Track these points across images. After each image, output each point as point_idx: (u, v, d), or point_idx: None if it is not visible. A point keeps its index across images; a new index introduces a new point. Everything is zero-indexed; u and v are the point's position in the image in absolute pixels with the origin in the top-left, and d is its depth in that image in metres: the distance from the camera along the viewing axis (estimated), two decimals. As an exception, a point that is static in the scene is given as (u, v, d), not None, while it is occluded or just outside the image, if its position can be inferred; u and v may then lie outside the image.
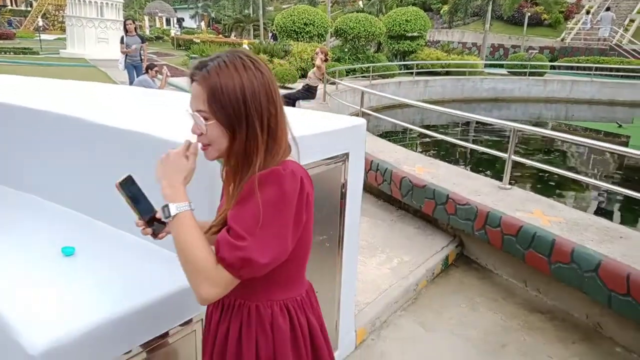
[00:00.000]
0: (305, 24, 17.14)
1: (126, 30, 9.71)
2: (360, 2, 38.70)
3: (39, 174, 2.29)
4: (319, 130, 2.15)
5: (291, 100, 8.32)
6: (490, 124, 10.84)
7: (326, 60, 8.55)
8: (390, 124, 10.52)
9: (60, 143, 2.16)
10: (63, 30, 29.84)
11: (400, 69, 16.93)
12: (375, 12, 25.05)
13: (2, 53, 20.31)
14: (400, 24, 18.03)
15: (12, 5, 48.18)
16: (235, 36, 36.51)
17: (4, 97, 2.46)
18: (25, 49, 22.56)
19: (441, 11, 30.73)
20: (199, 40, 25.78)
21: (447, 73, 17.57)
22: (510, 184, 4.09)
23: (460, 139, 7.99)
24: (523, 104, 16.93)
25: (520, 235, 3.25)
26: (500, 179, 4.18)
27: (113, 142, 1.93)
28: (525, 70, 17.86)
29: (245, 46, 22.32)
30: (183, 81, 14.01)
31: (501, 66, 20.63)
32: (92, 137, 2.00)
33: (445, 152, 9.21)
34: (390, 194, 4.49)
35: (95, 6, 22.10)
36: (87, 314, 1.36)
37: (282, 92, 11.72)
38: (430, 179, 4.10)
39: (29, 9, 44.46)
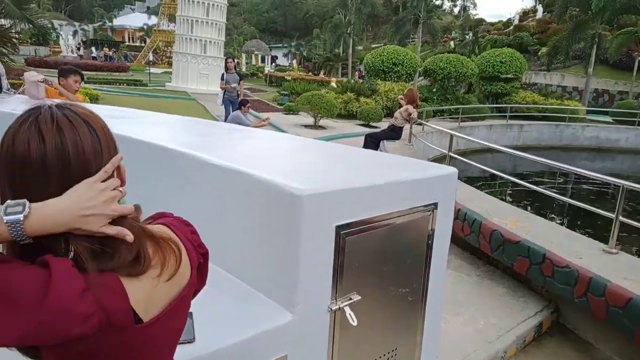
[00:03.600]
0: (394, 64, 17.32)
1: (226, 68, 10.45)
2: (452, 43, 38.43)
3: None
4: (406, 177, 2.09)
5: (375, 140, 8.31)
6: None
7: (416, 107, 8.41)
8: (479, 169, 10.08)
9: (158, 172, 2.30)
10: (170, 64, 33.02)
11: (492, 112, 16.36)
12: (467, 53, 24.66)
13: (117, 84, 22.85)
14: (494, 65, 17.57)
15: (129, 41, 54.44)
16: (324, 74, 37.87)
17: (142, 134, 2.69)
18: (136, 81, 25.21)
19: (539, 53, 29.52)
20: (289, 78, 27.08)
21: (544, 118, 16.65)
22: (616, 247, 3.66)
23: (557, 191, 7.42)
24: (631, 155, 15.43)
25: (628, 308, 2.85)
26: (603, 239, 3.77)
27: (218, 182, 2.01)
28: (635, 119, 16.38)
29: (333, 84, 23.03)
30: (275, 117, 14.69)
31: (606, 113, 19.13)
32: (195, 175, 2.11)
33: (540, 204, 8.57)
34: (477, 246, 4.23)
35: (200, 44, 24.21)
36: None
37: (367, 130, 11.77)
38: (525, 235, 3.80)
39: (143, 44, 49.88)
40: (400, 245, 2.09)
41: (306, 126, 12.86)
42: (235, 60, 11.96)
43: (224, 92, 10.35)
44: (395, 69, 17.32)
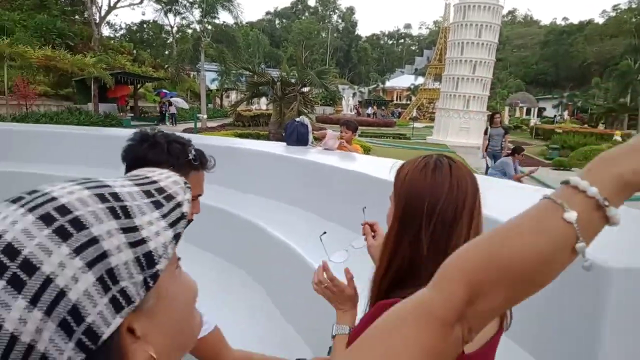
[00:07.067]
0: None
1: (492, 122, 10.25)
2: None
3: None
4: None
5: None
6: None
7: None
8: None
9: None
10: (431, 119, 34.48)
11: None
12: None
13: (384, 137, 25.19)
14: None
15: (397, 100, 59.73)
16: (603, 126, 32.82)
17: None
18: (400, 134, 27.28)
19: None
20: (560, 130, 24.54)
21: None
22: None
23: None
24: None
25: None
26: None
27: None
28: None
29: (617, 137, 19.73)
30: (538, 171, 13.44)
31: None
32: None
33: None
34: None
35: (463, 99, 24.61)
36: None
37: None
38: None
39: (408, 102, 53.88)
40: None
41: (581, 185, 11.26)
42: (500, 115, 11.64)
43: (487, 145, 10.13)
44: None
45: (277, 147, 4.78)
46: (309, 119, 7.46)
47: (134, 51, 39.94)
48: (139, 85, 26.92)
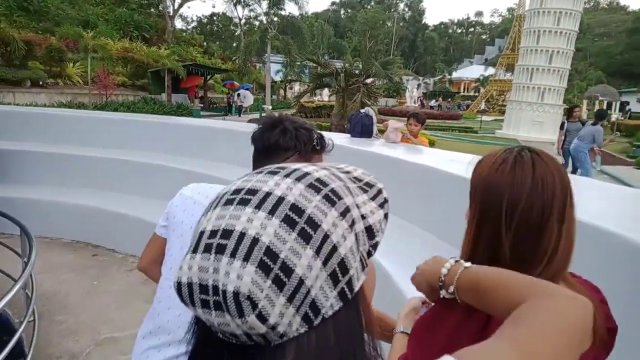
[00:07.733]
0: None
1: (569, 116, 9.56)
2: None
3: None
4: None
5: None
6: None
7: None
8: None
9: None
10: (501, 112, 32.82)
11: None
12: None
13: (450, 130, 24.36)
14: None
15: (464, 91, 57.49)
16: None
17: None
18: (467, 128, 26.23)
19: None
20: (647, 126, 22.49)
21: None
22: None
23: None
24: None
25: None
26: None
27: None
28: None
29: None
30: (619, 170, 12.47)
31: None
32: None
33: None
34: None
35: (537, 91, 23.16)
36: None
37: None
38: None
39: (476, 94, 51.66)
40: None
41: (671, 187, 10.26)
42: (577, 109, 10.85)
43: (564, 140, 9.48)
44: None
45: (340, 139, 4.73)
46: (373, 111, 7.34)
47: (204, 43, 41.48)
48: (208, 77, 27.93)
